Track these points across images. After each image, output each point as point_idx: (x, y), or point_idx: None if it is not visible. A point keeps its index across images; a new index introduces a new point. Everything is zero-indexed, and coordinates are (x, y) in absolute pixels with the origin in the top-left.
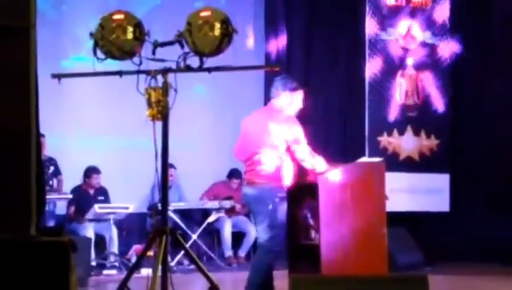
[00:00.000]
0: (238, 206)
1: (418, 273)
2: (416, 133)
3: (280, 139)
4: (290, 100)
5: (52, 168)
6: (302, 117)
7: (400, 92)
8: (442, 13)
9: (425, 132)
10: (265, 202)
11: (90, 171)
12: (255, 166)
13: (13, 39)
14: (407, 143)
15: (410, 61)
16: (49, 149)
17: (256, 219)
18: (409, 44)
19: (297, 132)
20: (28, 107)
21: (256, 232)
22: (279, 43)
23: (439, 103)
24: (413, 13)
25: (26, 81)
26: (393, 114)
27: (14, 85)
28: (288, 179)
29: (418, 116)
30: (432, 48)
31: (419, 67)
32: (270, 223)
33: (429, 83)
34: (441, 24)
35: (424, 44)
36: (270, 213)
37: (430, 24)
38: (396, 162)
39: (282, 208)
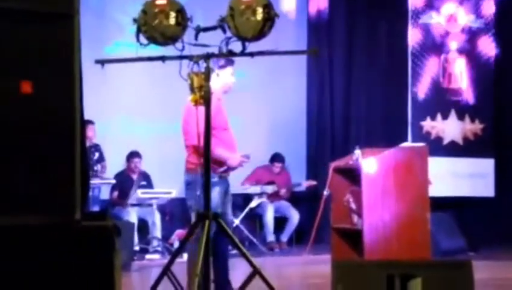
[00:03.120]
0: (282, 191)
1: (462, 259)
2: (460, 117)
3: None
4: (221, 78)
5: (97, 154)
6: (345, 107)
7: (443, 76)
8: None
9: (469, 116)
10: (193, 188)
11: (131, 155)
12: (187, 152)
13: (57, 26)
14: (451, 127)
15: (453, 45)
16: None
17: (188, 204)
18: (452, 28)
19: (219, 118)
20: (72, 94)
21: None
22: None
23: (483, 87)
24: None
25: (70, 68)
26: (436, 98)
27: (59, 71)
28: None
29: (462, 101)
30: (475, 34)
31: (463, 51)
32: (196, 209)
33: (473, 67)
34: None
35: (467, 29)
36: (197, 199)
37: (474, 9)
38: (439, 147)
39: (213, 195)
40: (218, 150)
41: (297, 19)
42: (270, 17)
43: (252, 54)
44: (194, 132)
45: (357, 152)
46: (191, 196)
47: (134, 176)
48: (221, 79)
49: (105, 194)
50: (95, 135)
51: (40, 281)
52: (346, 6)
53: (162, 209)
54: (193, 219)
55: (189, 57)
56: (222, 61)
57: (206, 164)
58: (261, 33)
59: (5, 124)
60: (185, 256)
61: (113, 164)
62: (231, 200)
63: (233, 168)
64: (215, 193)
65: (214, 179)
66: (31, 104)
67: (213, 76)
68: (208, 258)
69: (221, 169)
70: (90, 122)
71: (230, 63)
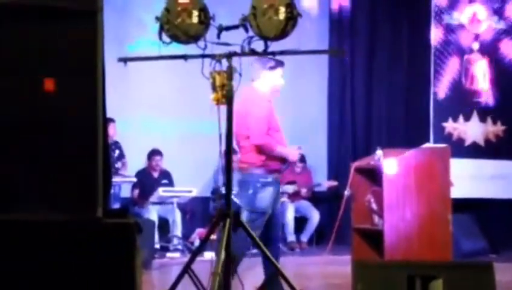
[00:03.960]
0: (303, 191)
1: (484, 261)
2: (482, 119)
3: (259, 125)
4: (270, 79)
5: (117, 151)
6: (367, 106)
7: (465, 77)
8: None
9: (491, 118)
10: (247, 187)
11: (152, 153)
12: (241, 151)
13: (81, 23)
14: (473, 129)
15: (476, 46)
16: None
17: (240, 202)
18: (475, 29)
19: (272, 119)
20: (95, 91)
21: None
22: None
23: (505, 89)
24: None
25: (93, 65)
26: (458, 99)
27: (82, 69)
28: (273, 164)
29: (484, 102)
30: (498, 35)
31: (485, 52)
32: (250, 208)
33: (496, 68)
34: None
35: (490, 30)
36: (250, 198)
37: (497, 10)
38: (461, 148)
39: (264, 194)
40: (278, 148)
41: (319, 16)
42: (293, 16)
43: (274, 53)
44: (262, 131)
45: (379, 152)
46: (243, 195)
47: (156, 174)
48: (270, 81)
49: (126, 191)
50: (115, 132)
51: (61, 278)
52: (368, 3)
53: (182, 207)
54: (244, 218)
55: (212, 56)
56: (272, 63)
57: (227, 164)
58: (283, 32)
59: (29, 122)
60: (206, 254)
61: (134, 161)
62: (280, 203)
63: (293, 163)
64: (268, 193)
65: (268, 179)
66: (54, 102)
67: (263, 76)
68: (229, 256)
69: (284, 166)
70: (111, 120)
71: (281, 64)
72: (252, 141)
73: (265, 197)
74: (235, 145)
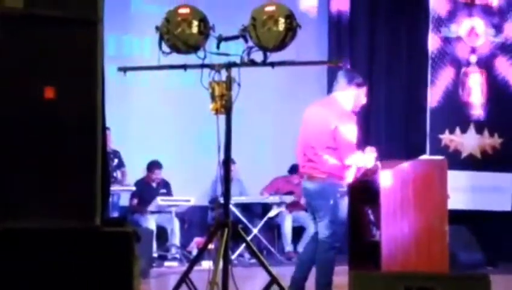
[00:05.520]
0: (303, 200)
1: (480, 273)
2: (479, 131)
3: (342, 139)
4: (355, 96)
5: (116, 160)
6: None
7: (462, 89)
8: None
9: (488, 130)
10: (326, 197)
11: (152, 166)
12: (316, 160)
13: (81, 32)
14: (470, 141)
15: (473, 59)
16: (113, 142)
17: (317, 214)
18: (473, 42)
19: (353, 133)
20: (94, 100)
21: (316, 228)
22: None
23: (502, 102)
24: (473, 10)
25: (93, 74)
26: (455, 112)
27: (82, 78)
28: (349, 175)
29: (481, 115)
30: (495, 49)
31: (482, 65)
32: (331, 218)
33: (493, 81)
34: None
35: (488, 44)
36: (332, 209)
37: (490, 16)
38: (458, 161)
39: (343, 204)
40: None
41: (318, 18)
42: (292, 27)
43: (273, 64)
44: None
45: (376, 164)
46: (321, 205)
47: (154, 184)
48: (355, 97)
49: (124, 200)
50: (111, 141)
51: (60, 286)
52: (367, 10)
53: (181, 216)
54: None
55: (211, 66)
56: (360, 79)
57: (226, 173)
58: (282, 43)
59: (27, 129)
60: (204, 263)
61: (133, 170)
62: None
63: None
64: (346, 202)
65: (344, 189)
66: (54, 110)
67: (349, 91)
68: (227, 266)
69: (359, 174)
70: (107, 128)
71: (366, 83)
72: (342, 154)
73: (344, 207)
74: (302, 152)
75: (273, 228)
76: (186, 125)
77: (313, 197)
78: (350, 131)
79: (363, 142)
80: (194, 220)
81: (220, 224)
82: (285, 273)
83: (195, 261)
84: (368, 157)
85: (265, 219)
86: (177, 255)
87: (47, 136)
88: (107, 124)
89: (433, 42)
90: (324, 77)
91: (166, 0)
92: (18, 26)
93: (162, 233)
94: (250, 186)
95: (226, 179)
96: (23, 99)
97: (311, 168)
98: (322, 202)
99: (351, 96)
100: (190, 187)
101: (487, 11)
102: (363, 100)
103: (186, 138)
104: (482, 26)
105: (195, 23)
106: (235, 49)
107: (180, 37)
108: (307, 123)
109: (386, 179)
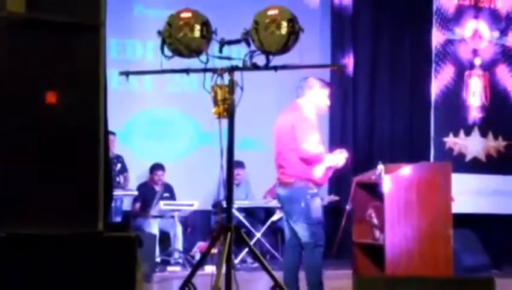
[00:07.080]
0: None
1: (485, 276)
2: (484, 134)
3: (304, 140)
4: (316, 99)
5: (119, 165)
6: (368, 114)
7: (467, 92)
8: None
9: (492, 133)
10: (297, 201)
11: (154, 167)
12: (285, 165)
13: (84, 37)
14: (474, 144)
15: (477, 61)
16: (116, 147)
17: (290, 218)
18: (476, 44)
19: (313, 136)
20: (97, 104)
21: (290, 233)
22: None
23: (506, 104)
24: (478, 12)
25: (95, 78)
26: (459, 115)
27: (84, 82)
28: (318, 174)
29: (486, 117)
30: (499, 51)
31: (486, 68)
32: (306, 221)
33: (497, 83)
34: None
35: (492, 46)
36: (304, 211)
37: (496, 21)
38: (462, 164)
39: (316, 204)
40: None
41: (321, 12)
42: (295, 31)
43: (275, 68)
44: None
45: (380, 167)
46: (293, 210)
47: (157, 188)
48: (320, 101)
49: (127, 205)
50: (115, 146)
51: None
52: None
53: (183, 221)
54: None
55: (213, 70)
56: (319, 83)
57: (228, 177)
58: (285, 47)
59: (30, 133)
60: (207, 268)
61: (136, 175)
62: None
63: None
64: (318, 203)
65: (314, 190)
66: (56, 114)
67: (308, 95)
68: (230, 271)
69: (330, 174)
70: (112, 133)
71: (326, 84)
72: (299, 154)
73: (317, 207)
74: (275, 160)
75: (276, 232)
76: (189, 130)
77: (284, 203)
78: (307, 132)
79: (366, 145)
80: (197, 225)
81: (223, 228)
82: None
83: (198, 265)
84: (338, 157)
85: (268, 223)
86: (180, 260)
87: (49, 140)
88: (110, 129)
89: (436, 43)
90: (327, 80)
91: (168, 4)
92: (21, 31)
93: (165, 238)
94: (254, 190)
95: (229, 182)
96: (25, 104)
97: (281, 173)
98: (293, 206)
99: (311, 100)
100: (193, 191)
101: (493, 14)
102: (326, 102)
103: (189, 143)
104: (487, 30)
105: (197, 27)
106: (238, 53)
107: (183, 41)
108: (276, 132)
109: (390, 182)
